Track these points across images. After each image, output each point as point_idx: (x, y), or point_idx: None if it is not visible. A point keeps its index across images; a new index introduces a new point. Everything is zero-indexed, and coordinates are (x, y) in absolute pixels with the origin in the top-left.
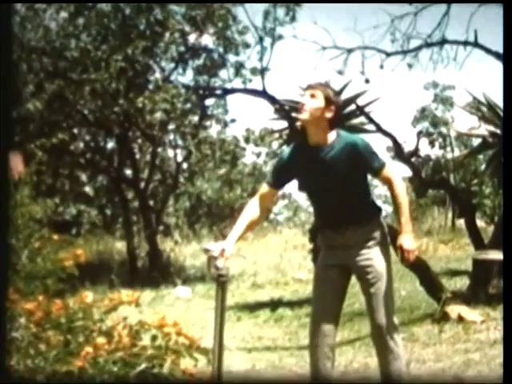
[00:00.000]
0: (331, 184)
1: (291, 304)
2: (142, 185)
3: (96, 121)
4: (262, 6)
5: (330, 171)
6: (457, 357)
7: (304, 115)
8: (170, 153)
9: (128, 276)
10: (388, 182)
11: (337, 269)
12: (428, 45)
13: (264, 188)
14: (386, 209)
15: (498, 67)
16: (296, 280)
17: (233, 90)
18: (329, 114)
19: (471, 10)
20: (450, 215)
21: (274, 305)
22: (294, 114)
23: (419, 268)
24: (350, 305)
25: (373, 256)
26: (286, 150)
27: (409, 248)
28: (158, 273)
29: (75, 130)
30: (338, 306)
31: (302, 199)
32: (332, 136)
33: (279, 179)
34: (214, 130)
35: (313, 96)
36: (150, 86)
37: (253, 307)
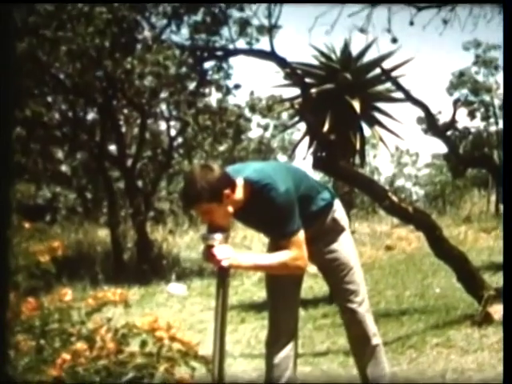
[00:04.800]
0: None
1: (305, 303)
2: (129, 163)
3: (74, 87)
4: None
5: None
6: (501, 366)
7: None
8: (162, 125)
9: (113, 270)
10: (284, 248)
11: None
12: None
13: None
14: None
15: None
16: (310, 275)
17: (236, 51)
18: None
19: None
20: (493, 199)
21: None
22: (307, 80)
23: (456, 261)
24: (374, 305)
25: (335, 247)
26: None
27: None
28: (148, 266)
29: (49, 99)
30: (297, 309)
31: None
32: (239, 194)
33: None
34: (213, 98)
35: (205, 213)
36: (139, 47)
37: (259, 306)
